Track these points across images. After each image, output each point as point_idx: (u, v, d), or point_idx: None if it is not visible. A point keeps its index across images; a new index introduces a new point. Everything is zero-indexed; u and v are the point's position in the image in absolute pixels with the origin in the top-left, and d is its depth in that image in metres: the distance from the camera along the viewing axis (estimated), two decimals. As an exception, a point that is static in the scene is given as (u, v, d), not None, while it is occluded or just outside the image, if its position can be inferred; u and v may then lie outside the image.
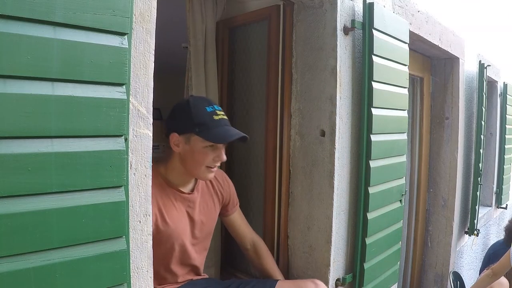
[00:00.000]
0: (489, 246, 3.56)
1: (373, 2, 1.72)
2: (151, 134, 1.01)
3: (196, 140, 1.35)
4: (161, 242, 1.39)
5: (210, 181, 1.57)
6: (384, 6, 1.94)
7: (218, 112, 1.38)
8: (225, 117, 1.40)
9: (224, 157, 1.40)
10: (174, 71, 3.95)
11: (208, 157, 1.37)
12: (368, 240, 1.78)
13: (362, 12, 1.74)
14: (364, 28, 1.73)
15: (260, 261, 1.68)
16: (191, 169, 1.41)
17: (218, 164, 1.42)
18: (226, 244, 2.08)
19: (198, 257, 1.55)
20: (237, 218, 1.68)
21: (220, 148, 1.39)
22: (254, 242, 1.69)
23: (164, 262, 1.45)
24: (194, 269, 1.56)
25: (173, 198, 1.43)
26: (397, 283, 2.14)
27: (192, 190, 1.49)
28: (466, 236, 3.53)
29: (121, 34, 0.89)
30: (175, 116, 1.40)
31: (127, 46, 0.90)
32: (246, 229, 1.70)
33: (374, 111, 1.74)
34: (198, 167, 1.38)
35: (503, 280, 2.78)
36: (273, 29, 1.83)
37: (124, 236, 0.91)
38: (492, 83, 4.08)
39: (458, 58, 2.98)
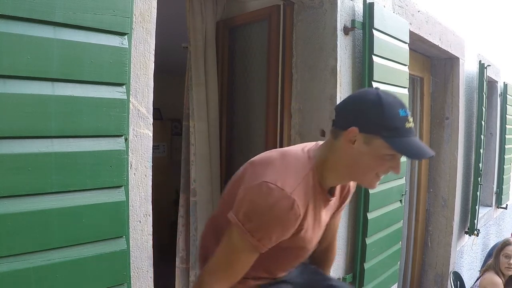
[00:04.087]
0: (491, 246, 3.56)
1: (373, 2, 1.72)
2: (151, 134, 1.01)
3: (380, 144, 1.11)
4: (288, 247, 1.21)
5: (345, 187, 1.38)
6: (384, 6, 1.94)
7: (410, 119, 1.14)
8: (413, 125, 1.18)
9: (400, 170, 1.18)
10: (174, 71, 3.95)
11: (384, 166, 1.15)
12: (368, 240, 1.78)
13: (362, 12, 1.75)
14: (364, 28, 1.73)
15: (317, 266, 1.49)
16: (357, 173, 1.19)
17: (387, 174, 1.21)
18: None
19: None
20: (335, 223, 1.48)
21: (398, 159, 1.17)
22: (327, 247, 1.49)
23: (275, 266, 1.28)
24: None
25: (323, 202, 1.24)
26: (397, 283, 2.14)
27: (333, 195, 1.30)
28: (466, 236, 3.53)
29: (121, 34, 0.89)
30: (360, 109, 1.15)
31: (127, 46, 0.90)
32: (334, 232, 1.50)
33: (374, 111, 1.74)
34: (368, 173, 1.17)
35: (496, 279, 2.76)
36: (273, 29, 1.83)
37: (124, 236, 0.91)
38: (492, 83, 4.08)
39: (458, 58, 2.98)
